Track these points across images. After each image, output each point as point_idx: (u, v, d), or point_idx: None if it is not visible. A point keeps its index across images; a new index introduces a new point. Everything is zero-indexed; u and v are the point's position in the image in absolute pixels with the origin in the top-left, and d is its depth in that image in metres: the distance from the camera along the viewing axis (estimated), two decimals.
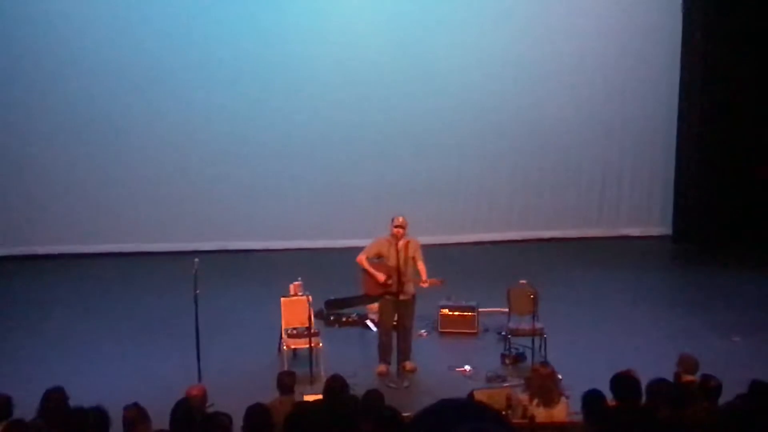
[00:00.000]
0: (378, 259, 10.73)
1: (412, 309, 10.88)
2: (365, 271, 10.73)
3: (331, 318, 12.47)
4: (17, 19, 15.07)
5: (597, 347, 11.37)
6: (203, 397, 8.06)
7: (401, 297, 10.65)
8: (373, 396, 7.39)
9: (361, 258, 10.75)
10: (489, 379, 10.49)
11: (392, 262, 10.56)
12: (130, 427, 6.92)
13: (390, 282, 10.58)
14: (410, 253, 10.65)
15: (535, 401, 8.01)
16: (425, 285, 10.62)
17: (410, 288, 10.71)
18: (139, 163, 15.66)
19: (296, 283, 11.34)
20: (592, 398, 7.02)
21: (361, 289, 11.09)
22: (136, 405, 7.04)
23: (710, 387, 7.58)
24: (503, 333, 11.53)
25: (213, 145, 15.72)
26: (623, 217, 16.97)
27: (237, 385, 9.94)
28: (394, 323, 10.81)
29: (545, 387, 8.07)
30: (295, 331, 10.93)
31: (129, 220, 15.72)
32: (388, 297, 10.71)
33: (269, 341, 11.32)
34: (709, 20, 15.82)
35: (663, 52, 16.32)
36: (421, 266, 10.66)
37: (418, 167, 16.07)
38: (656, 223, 17.06)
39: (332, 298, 12.55)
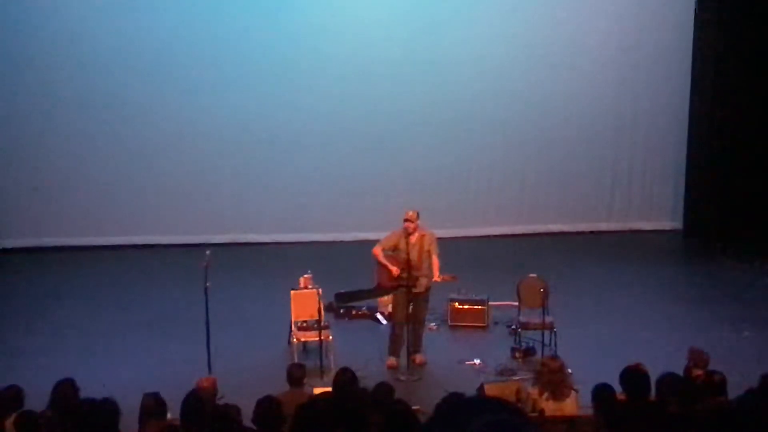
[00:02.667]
0: (393, 251, 10.74)
1: (426, 302, 10.90)
2: (380, 263, 10.74)
3: (341, 311, 12.48)
4: (27, 10, 15.08)
5: (607, 341, 11.35)
6: (213, 389, 8.09)
7: (415, 290, 10.66)
8: (383, 389, 7.40)
9: (377, 250, 10.76)
10: (499, 373, 10.49)
11: (404, 255, 10.57)
12: (146, 416, 6.96)
13: (403, 275, 10.59)
14: (425, 247, 10.65)
15: (545, 395, 8.02)
16: (438, 280, 10.64)
17: (424, 281, 10.72)
18: (149, 155, 15.67)
19: (306, 275, 11.35)
20: (601, 392, 7.02)
21: (374, 281, 11.10)
22: (155, 395, 7.08)
23: (714, 382, 7.58)
24: (513, 326, 11.53)
25: (224, 138, 15.73)
26: (634, 212, 16.92)
27: (247, 377, 9.96)
28: (408, 316, 10.81)
29: (555, 380, 8.08)
30: (305, 324, 10.95)
31: (139, 212, 15.74)
32: (402, 289, 10.71)
33: (279, 334, 11.34)
34: (722, 14, 15.76)
35: (675, 47, 16.25)
36: (435, 261, 10.69)
37: (428, 161, 16.05)
38: (667, 218, 17.01)
39: (342, 291, 12.56)
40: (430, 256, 10.70)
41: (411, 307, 10.71)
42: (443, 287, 11.30)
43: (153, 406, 7.01)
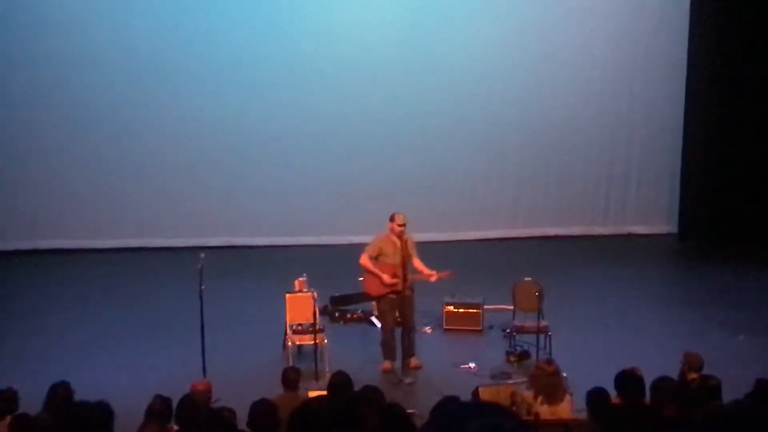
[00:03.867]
0: (378, 258, 10.71)
1: (413, 304, 10.88)
2: (370, 272, 10.71)
3: (336, 314, 12.48)
4: (24, 12, 15.07)
5: (602, 345, 11.37)
6: (208, 392, 8.08)
7: (404, 294, 10.67)
8: (370, 393, 7.38)
9: (365, 259, 10.70)
10: (494, 376, 10.49)
11: (397, 259, 10.55)
12: (149, 416, 6.98)
13: (396, 280, 10.58)
14: (409, 251, 10.66)
15: (540, 399, 8.02)
16: (433, 279, 10.63)
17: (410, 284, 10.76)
18: (144, 158, 15.67)
19: (301, 279, 11.34)
20: (596, 396, 7.03)
21: (365, 290, 11.10)
22: (165, 399, 7.09)
23: (710, 386, 7.58)
24: (508, 330, 11.53)
25: (219, 141, 15.73)
26: (629, 215, 16.95)
27: (242, 380, 9.94)
28: (397, 320, 10.82)
29: (550, 384, 8.07)
30: (300, 327, 10.94)
31: (134, 215, 15.74)
32: (392, 296, 10.70)
33: (274, 337, 11.33)
34: (718, 17, 15.79)
35: (670, 50, 16.29)
36: (418, 263, 10.70)
37: (423, 164, 16.06)
38: (662, 221, 17.03)
39: (337, 294, 12.57)
40: (411, 260, 10.70)
41: (399, 313, 10.73)
42: (439, 290, 11.30)
43: (158, 409, 7.02)
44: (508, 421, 2.88)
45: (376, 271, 10.63)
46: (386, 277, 10.58)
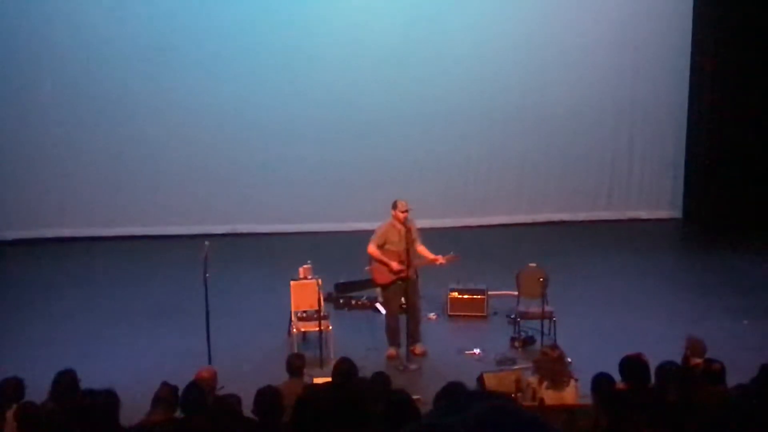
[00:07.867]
0: (384, 245, 10.72)
1: (417, 288, 10.89)
2: (379, 260, 10.70)
3: (341, 301, 12.49)
4: (27, 3, 15.04)
5: (606, 330, 11.36)
6: (213, 379, 8.10)
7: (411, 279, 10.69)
8: (380, 379, 7.40)
9: (373, 248, 10.70)
10: (498, 362, 10.49)
11: (401, 246, 10.56)
12: (156, 403, 7.01)
13: (403, 267, 10.58)
14: (413, 236, 10.67)
15: (545, 384, 8.03)
16: (442, 262, 10.64)
17: (413, 270, 10.76)
18: (147, 146, 15.65)
19: (306, 266, 11.34)
20: (601, 381, 7.04)
21: (373, 279, 11.10)
22: (172, 387, 7.12)
23: (713, 371, 7.59)
24: (512, 316, 11.53)
25: (222, 129, 15.71)
26: (633, 200, 16.93)
27: (247, 367, 9.98)
28: (402, 306, 10.83)
29: (554, 370, 8.08)
30: (304, 314, 10.96)
31: (139, 203, 15.73)
32: (399, 282, 10.70)
33: (279, 324, 11.35)
34: (722, 2, 15.74)
35: (674, 34, 16.25)
36: (422, 248, 10.73)
37: (426, 150, 16.04)
38: (666, 206, 17.02)
39: (342, 281, 12.57)
40: (414, 245, 10.71)
41: (404, 298, 10.74)
42: (444, 275, 11.31)
43: (165, 396, 7.05)
44: (511, 404, 2.91)
45: (385, 259, 10.64)
46: (395, 265, 10.59)
